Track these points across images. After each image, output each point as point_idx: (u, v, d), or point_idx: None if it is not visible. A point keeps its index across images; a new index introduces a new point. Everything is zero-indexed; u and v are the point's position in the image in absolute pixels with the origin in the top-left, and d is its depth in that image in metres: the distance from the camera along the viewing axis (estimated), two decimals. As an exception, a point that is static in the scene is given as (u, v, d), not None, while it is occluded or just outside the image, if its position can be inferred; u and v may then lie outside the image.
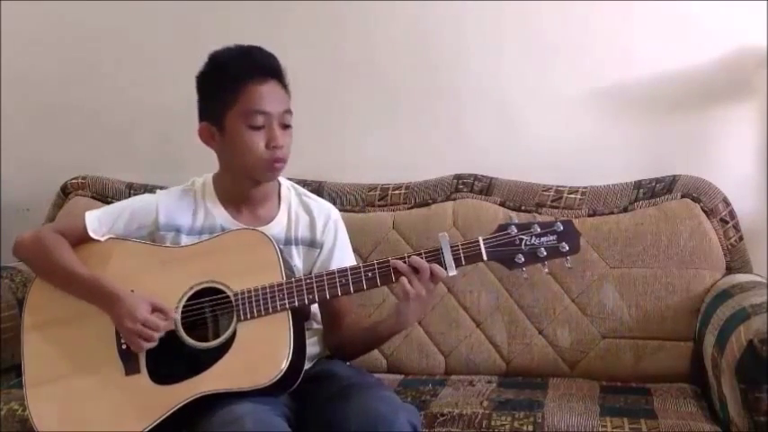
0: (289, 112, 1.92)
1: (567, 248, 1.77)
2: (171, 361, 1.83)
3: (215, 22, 2.80)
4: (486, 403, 2.08)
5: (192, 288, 1.86)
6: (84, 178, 2.75)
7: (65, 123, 2.91)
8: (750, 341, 1.83)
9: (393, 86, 2.72)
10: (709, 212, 2.36)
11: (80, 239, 1.96)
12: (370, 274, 1.81)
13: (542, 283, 2.36)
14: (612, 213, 2.43)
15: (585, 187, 2.48)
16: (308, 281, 1.82)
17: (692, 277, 2.32)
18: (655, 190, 2.43)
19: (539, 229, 1.78)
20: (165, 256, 1.92)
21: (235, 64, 1.90)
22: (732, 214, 2.37)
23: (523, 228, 1.78)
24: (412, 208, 2.54)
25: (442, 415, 2.02)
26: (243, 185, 1.96)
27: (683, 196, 2.39)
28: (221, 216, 1.97)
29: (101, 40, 2.87)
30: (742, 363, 1.84)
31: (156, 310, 1.83)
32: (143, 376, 1.84)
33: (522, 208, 2.47)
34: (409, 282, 1.79)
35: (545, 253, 1.78)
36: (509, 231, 1.78)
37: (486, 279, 2.40)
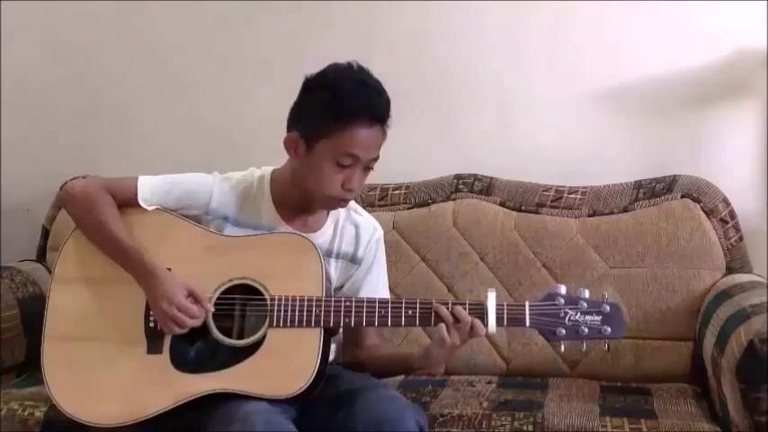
0: (376, 159, 1.87)
1: (609, 332, 1.77)
2: (194, 349, 1.82)
3: (216, 22, 2.80)
4: (486, 404, 2.08)
5: (230, 281, 1.84)
6: (84, 178, 2.74)
7: (65, 123, 2.91)
8: (750, 341, 1.83)
9: (393, 86, 2.70)
10: (709, 212, 2.36)
11: (127, 203, 1.91)
12: (410, 312, 1.80)
13: (542, 282, 2.36)
14: (612, 213, 2.43)
15: (585, 187, 2.48)
16: (348, 304, 1.81)
17: (692, 277, 2.32)
18: (655, 190, 2.43)
19: (585, 306, 1.77)
20: (210, 242, 1.89)
21: (352, 98, 1.81)
22: (732, 214, 2.37)
23: (571, 301, 1.78)
24: (412, 208, 2.54)
25: (442, 416, 2.01)
26: (303, 196, 1.91)
27: (683, 196, 2.39)
28: (271, 215, 1.93)
29: (101, 40, 2.87)
30: (742, 363, 1.84)
31: (191, 296, 1.81)
32: (164, 358, 1.82)
33: (522, 208, 2.47)
34: (448, 331, 1.78)
35: (586, 332, 1.77)
36: (556, 302, 1.78)
37: (486, 279, 2.40)
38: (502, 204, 2.49)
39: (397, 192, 2.57)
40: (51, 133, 2.92)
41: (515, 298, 2.38)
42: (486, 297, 1.79)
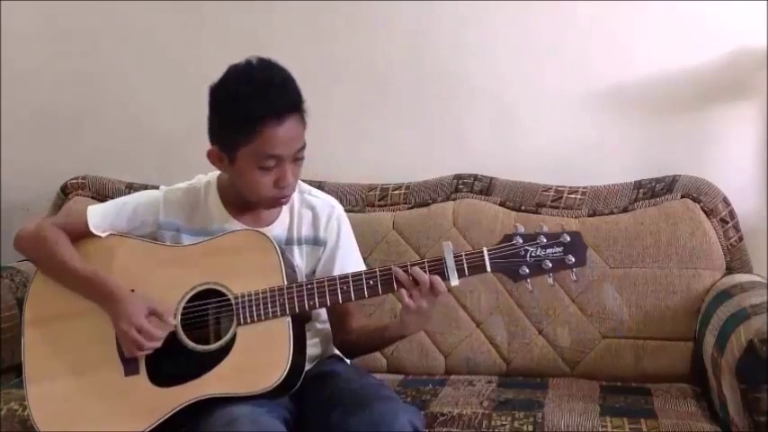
0: (302, 147, 1.85)
1: (573, 261, 1.76)
2: (170, 362, 1.83)
3: (215, 21, 2.80)
4: (486, 403, 2.08)
5: (193, 288, 1.85)
6: (84, 178, 2.75)
7: (65, 124, 2.91)
8: (750, 341, 1.83)
9: (393, 87, 2.72)
10: (709, 212, 2.36)
11: (81, 234, 1.94)
12: (371, 282, 1.79)
13: (542, 282, 2.34)
14: (612, 213, 2.43)
15: (585, 187, 2.48)
16: (309, 286, 1.81)
17: (692, 277, 2.32)
18: (655, 190, 2.43)
19: (545, 240, 1.76)
20: (166, 256, 1.91)
21: (254, 102, 1.78)
22: (732, 214, 2.37)
23: (529, 238, 1.76)
24: (412, 208, 2.54)
25: (442, 415, 2.02)
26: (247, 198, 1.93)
27: (683, 196, 2.39)
28: (222, 217, 1.95)
29: (101, 41, 2.88)
30: (742, 363, 1.84)
31: (153, 314, 1.82)
32: (142, 378, 1.84)
33: (522, 208, 2.47)
34: (409, 294, 1.77)
35: (550, 265, 1.76)
36: (514, 242, 1.76)
37: (487, 279, 2.39)
38: (502, 204, 2.49)
39: (397, 192, 2.57)
40: (51, 133, 2.92)
41: (515, 298, 2.38)
42: (443, 250, 1.77)
